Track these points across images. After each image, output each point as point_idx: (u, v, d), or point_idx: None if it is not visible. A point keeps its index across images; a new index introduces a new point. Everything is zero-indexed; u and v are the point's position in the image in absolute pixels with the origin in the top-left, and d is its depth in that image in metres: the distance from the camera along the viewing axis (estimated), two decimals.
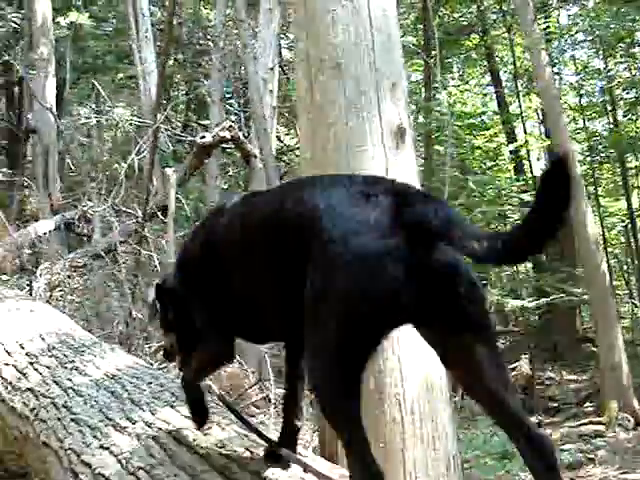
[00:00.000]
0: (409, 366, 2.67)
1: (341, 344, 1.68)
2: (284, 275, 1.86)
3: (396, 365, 2.66)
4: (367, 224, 1.63)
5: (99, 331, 6.76)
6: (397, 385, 2.65)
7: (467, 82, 21.72)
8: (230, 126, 9.20)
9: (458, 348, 1.74)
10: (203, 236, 2.32)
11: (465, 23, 19.01)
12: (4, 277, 8.72)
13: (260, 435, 2.43)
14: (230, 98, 16.50)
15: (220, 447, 2.41)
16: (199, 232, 2.42)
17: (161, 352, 2.78)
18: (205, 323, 2.30)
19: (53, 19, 15.32)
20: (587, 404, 11.60)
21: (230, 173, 16.93)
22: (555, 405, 11.87)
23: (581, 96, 19.05)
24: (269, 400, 7.53)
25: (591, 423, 10.26)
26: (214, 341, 2.30)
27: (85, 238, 12.39)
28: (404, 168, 2.85)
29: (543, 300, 12.66)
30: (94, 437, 2.80)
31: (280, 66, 11.17)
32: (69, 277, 8.75)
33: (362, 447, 1.71)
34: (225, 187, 15.31)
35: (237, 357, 7.72)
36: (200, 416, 2.46)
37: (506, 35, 18.44)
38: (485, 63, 19.98)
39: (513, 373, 12.74)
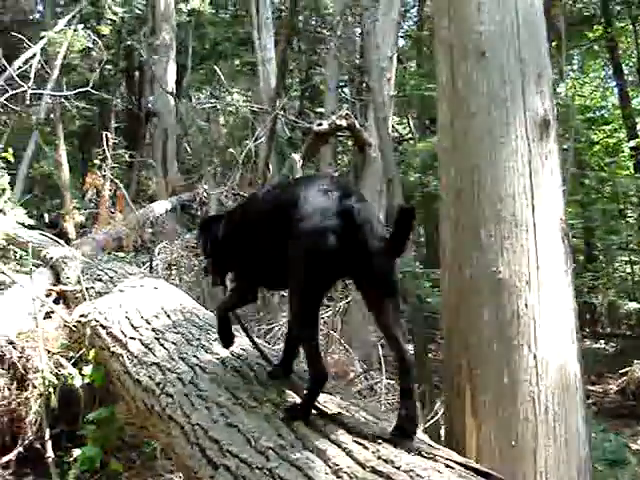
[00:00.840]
0: (545, 365, 2.60)
1: (304, 284, 2.55)
2: (279, 239, 2.64)
3: (532, 363, 2.58)
4: (320, 210, 2.50)
5: (211, 311, 6.90)
6: (532, 384, 2.58)
7: (587, 75, 20.95)
8: (347, 114, 9.19)
9: (373, 297, 2.57)
10: (242, 207, 3.31)
11: (588, 14, 18.31)
12: (121, 254, 9.03)
13: (264, 356, 3.22)
14: (344, 86, 16.52)
15: (351, 432, 2.39)
16: (242, 204, 3.43)
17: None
18: (237, 272, 3.21)
19: (175, 5, 15.71)
20: None
21: (342, 161, 16.97)
22: None
23: None
24: (374, 390, 7.53)
25: None
26: (242, 284, 3.17)
27: (198, 220, 12.72)
28: (547, 161, 2.76)
29: None
30: (221, 415, 2.83)
31: (397, 55, 11.04)
32: (184, 257, 8.99)
33: (315, 353, 2.55)
34: (337, 174, 15.36)
35: (344, 345, 7.78)
36: (226, 339, 3.22)
37: (630, 27, 17.64)
38: (607, 55, 19.19)
39: (624, 378, 12.27)
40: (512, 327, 2.61)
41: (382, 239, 2.42)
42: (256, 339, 3.50)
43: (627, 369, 11.96)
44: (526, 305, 2.62)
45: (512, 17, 2.87)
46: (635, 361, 12.09)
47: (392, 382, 7.62)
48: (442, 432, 5.93)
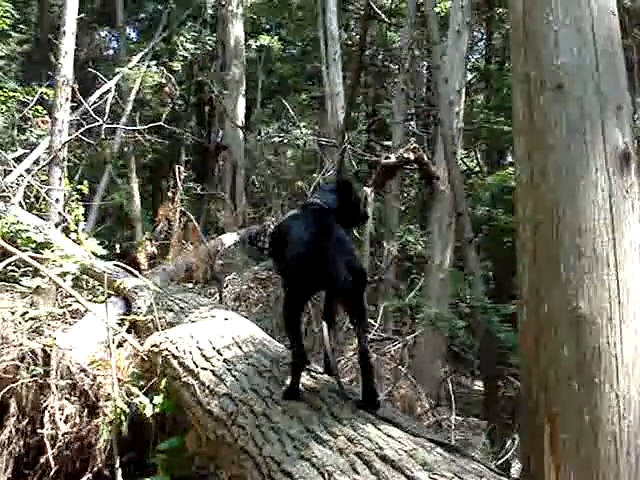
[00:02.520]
0: (627, 403, 2.52)
1: (287, 294, 3.43)
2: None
3: (613, 402, 2.51)
4: (301, 240, 3.28)
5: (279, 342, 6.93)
6: (614, 423, 2.50)
7: None
8: (415, 147, 9.19)
9: (338, 303, 3.61)
10: (277, 226, 4.22)
11: None
12: (189, 284, 9.16)
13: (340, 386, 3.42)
14: (411, 119, 16.53)
15: (427, 470, 2.36)
16: (278, 224, 4.32)
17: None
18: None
19: (245, 42, 16.03)
20: None
21: (409, 194, 16.93)
22: None
23: None
24: (440, 425, 7.41)
25: None
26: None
27: (265, 252, 12.83)
28: (628, 194, 2.70)
29: None
30: (294, 447, 2.82)
31: (465, 88, 11.02)
32: (251, 288, 9.07)
33: (297, 343, 3.34)
34: (404, 208, 15.32)
35: (411, 379, 7.69)
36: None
37: None
38: None
39: None
40: (593, 364, 2.54)
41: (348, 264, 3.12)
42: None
43: None
44: (607, 342, 2.55)
45: (590, 49, 2.84)
46: None
47: (460, 418, 7.51)
48: (513, 469, 5.80)
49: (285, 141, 15.31)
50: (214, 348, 4.39)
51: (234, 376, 3.85)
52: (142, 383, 5.23)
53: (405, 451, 2.52)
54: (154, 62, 16.40)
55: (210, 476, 5.65)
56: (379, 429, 2.77)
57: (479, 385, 10.27)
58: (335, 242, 3.18)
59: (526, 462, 2.66)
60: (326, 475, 2.53)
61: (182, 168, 9.84)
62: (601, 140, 2.73)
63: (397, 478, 2.35)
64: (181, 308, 6.29)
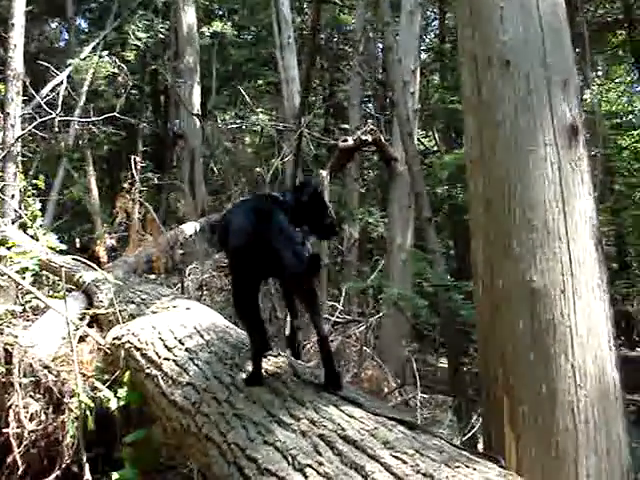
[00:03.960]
0: (583, 373, 2.56)
1: (233, 283, 3.48)
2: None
3: (569, 372, 2.55)
4: (240, 228, 3.30)
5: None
6: (570, 393, 2.54)
7: (612, 80, 20.77)
8: (372, 129, 9.20)
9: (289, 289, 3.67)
10: (222, 215, 4.41)
11: (610, 19, 18.16)
12: (152, 276, 9.09)
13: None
14: (368, 102, 16.55)
15: (389, 448, 2.37)
16: (223, 213, 4.46)
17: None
18: None
19: (198, 29, 15.86)
20: None
21: (369, 176, 16.95)
22: None
23: None
24: (407, 404, 7.47)
25: None
26: None
27: None
28: (577, 167, 2.74)
29: None
30: (258, 433, 2.82)
31: (420, 69, 11.05)
32: (214, 277, 9.03)
33: (255, 330, 3.38)
34: (364, 190, 15.35)
35: (377, 360, 7.74)
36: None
37: None
38: (631, 60, 19.01)
39: None
40: (548, 336, 2.58)
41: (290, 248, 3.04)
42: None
43: None
44: (561, 314, 2.59)
45: (535, 25, 2.86)
46: None
47: (427, 396, 7.58)
48: (480, 445, 5.88)
49: (243, 128, 15.19)
50: (176, 338, 4.37)
51: (197, 365, 3.84)
52: (106, 377, 5.19)
53: (367, 431, 2.53)
54: (106, 52, 16.12)
55: (179, 467, 5.65)
56: (341, 410, 2.78)
57: (444, 362, 10.37)
58: (277, 229, 3.14)
59: (487, 435, 2.69)
60: (290, 458, 2.53)
61: (138, 158, 9.73)
62: (549, 114, 2.75)
63: (359, 458, 2.36)
64: (142, 300, 6.24)
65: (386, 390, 7.64)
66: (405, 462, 2.26)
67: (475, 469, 2.18)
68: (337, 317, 7.49)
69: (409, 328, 9.18)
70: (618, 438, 2.63)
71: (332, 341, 7.45)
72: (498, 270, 2.72)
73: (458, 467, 2.19)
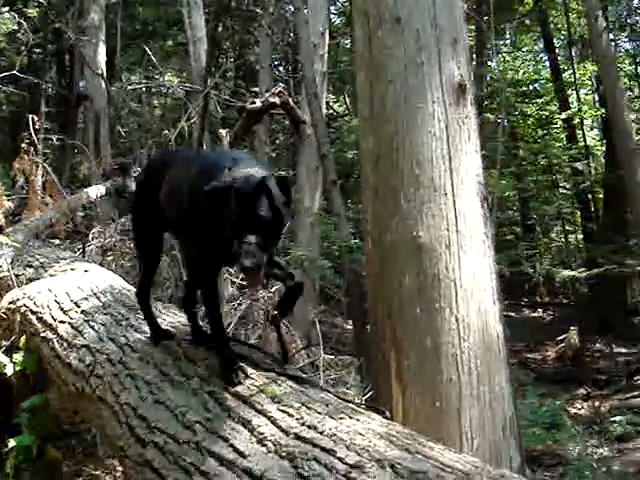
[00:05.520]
0: (466, 326, 2.64)
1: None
2: None
3: (453, 325, 2.62)
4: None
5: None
6: (454, 345, 2.62)
7: (520, 49, 21.26)
8: (280, 92, 9.13)
9: None
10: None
11: None
12: (56, 241, 8.84)
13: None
14: (279, 64, 16.41)
15: (276, 402, 2.40)
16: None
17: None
18: None
19: None
20: (637, 377, 11.40)
21: (279, 139, 16.88)
22: (604, 377, 11.67)
23: (637, 64, 18.43)
24: (316, 366, 7.56)
25: None
26: None
27: None
28: (464, 125, 2.79)
29: (594, 271, 12.44)
30: (149, 392, 2.82)
31: (330, 31, 11.01)
32: (120, 240, 8.84)
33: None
34: (273, 154, 15.28)
35: (285, 323, 7.78)
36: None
37: (560, 0, 17.91)
38: (538, 29, 19.48)
39: (561, 345, 12.61)
40: (433, 291, 2.65)
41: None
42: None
43: (564, 336, 12.30)
44: (446, 268, 2.65)
45: None
46: (571, 328, 12.44)
47: (332, 357, 7.67)
48: None
49: (150, 89, 14.85)
50: (72, 300, 4.28)
51: (92, 327, 3.78)
52: (3, 342, 5.06)
53: (256, 386, 2.55)
54: (6, 8, 15.42)
55: (83, 433, 5.58)
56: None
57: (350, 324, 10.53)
58: None
59: (376, 388, 2.75)
60: (179, 416, 2.55)
61: (36, 118, 9.37)
62: (437, 72, 2.79)
63: (247, 412, 2.39)
64: (41, 263, 6.08)
65: (293, 351, 7.69)
66: (291, 415, 2.30)
67: (359, 420, 2.23)
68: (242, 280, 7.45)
69: (317, 290, 9.25)
70: (501, 388, 2.73)
71: (240, 304, 7.44)
72: (386, 226, 2.76)
73: (342, 418, 2.23)
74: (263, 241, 2.34)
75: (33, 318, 4.46)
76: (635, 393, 10.30)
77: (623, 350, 13.40)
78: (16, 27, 14.66)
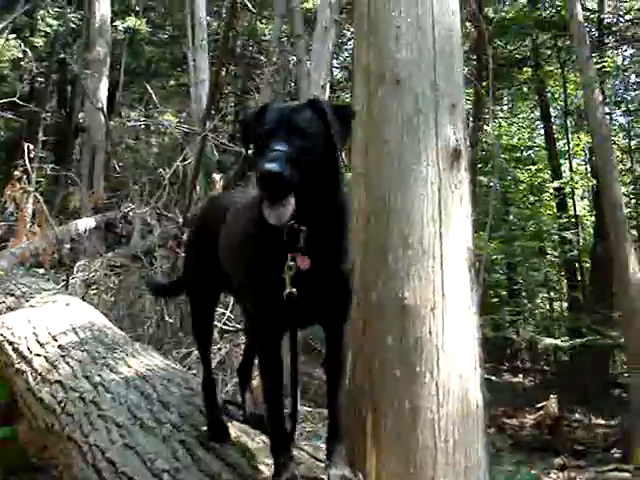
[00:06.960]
0: (446, 392, 2.60)
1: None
2: None
3: (433, 390, 2.58)
4: None
5: (131, 332, 6.74)
6: (432, 411, 2.57)
7: (516, 115, 21.57)
8: None
9: None
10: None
11: (519, 56, 18.86)
12: (41, 270, 8.79)
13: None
14: None
15: (249, 457, 2.36)
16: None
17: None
18: None
19: (111, 22, 15.52)
20: (614, 450, 11.28)
21: None
22: (582, 448, 11.54)
23: (630, 138, 18.69)
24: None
25: (617, 470, 9.94)
26: None
27: (123, 239, 12.50)
28: (457, 190, 2.80)
29: (577, 340, 12.42)
30: (120, 435, 2.77)
31: (331, 84, 11.15)
32: (105, 276, 8.80)
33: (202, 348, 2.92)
34: None
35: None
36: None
37: (559, 71, 18.23)
38: (536, 97, 19.78)
39: (540, 412, 12.50)
40: (415, 353, 2.61)
41: None
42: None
43: (543, 403, 12.21)
44: (430, 332, 2.62)
45: (429, 47, 2.91)
46: (551, 396, 12.35)
47: (309, 410, 7.58)
48: None
49: (149, 127, 14.91)
50: (50, 334, 4.26)
51: (67, 363, 3.76)
52: None
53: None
54: (13, 36, 15.55)
55: (50, 468, 5.45)
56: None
57: None
58: None
59: (350, 446, 2.69)
60: (148, 463, 2.50)
61: (32, 146, 9.38)
62: (434, 136, 2.81)
63: (216, 465, 2.34)
64: (23, 293, 6.05)
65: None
66: (261, 472, 2.25)
67: None
68: (225, 324, 7.41)
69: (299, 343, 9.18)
70: (478, 459, 2.68)
71: (220, 349, 7.36)
72: (372, 284, 2.74)
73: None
74: (297, 153, 1.95)
75: (9, 348, 4.41)
76: (611, 467, 10.17)
77: (602, 422, 13.30)
78: (21, 55, 14.76)
